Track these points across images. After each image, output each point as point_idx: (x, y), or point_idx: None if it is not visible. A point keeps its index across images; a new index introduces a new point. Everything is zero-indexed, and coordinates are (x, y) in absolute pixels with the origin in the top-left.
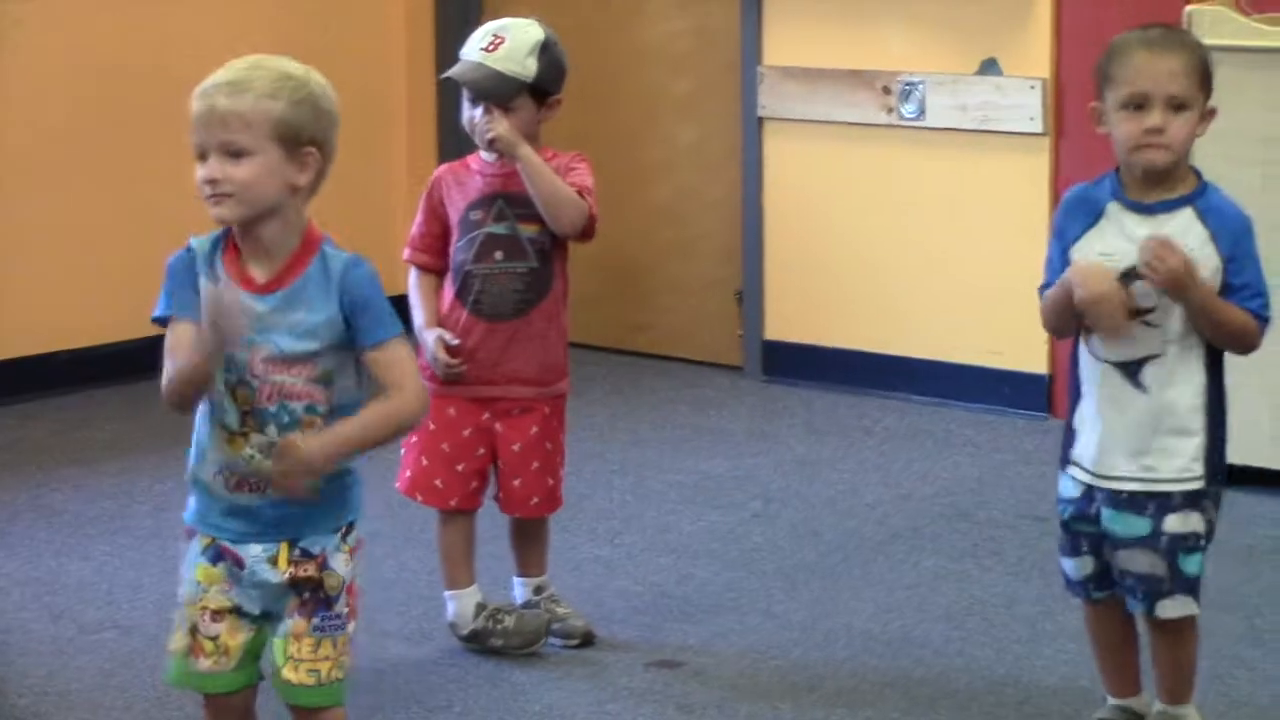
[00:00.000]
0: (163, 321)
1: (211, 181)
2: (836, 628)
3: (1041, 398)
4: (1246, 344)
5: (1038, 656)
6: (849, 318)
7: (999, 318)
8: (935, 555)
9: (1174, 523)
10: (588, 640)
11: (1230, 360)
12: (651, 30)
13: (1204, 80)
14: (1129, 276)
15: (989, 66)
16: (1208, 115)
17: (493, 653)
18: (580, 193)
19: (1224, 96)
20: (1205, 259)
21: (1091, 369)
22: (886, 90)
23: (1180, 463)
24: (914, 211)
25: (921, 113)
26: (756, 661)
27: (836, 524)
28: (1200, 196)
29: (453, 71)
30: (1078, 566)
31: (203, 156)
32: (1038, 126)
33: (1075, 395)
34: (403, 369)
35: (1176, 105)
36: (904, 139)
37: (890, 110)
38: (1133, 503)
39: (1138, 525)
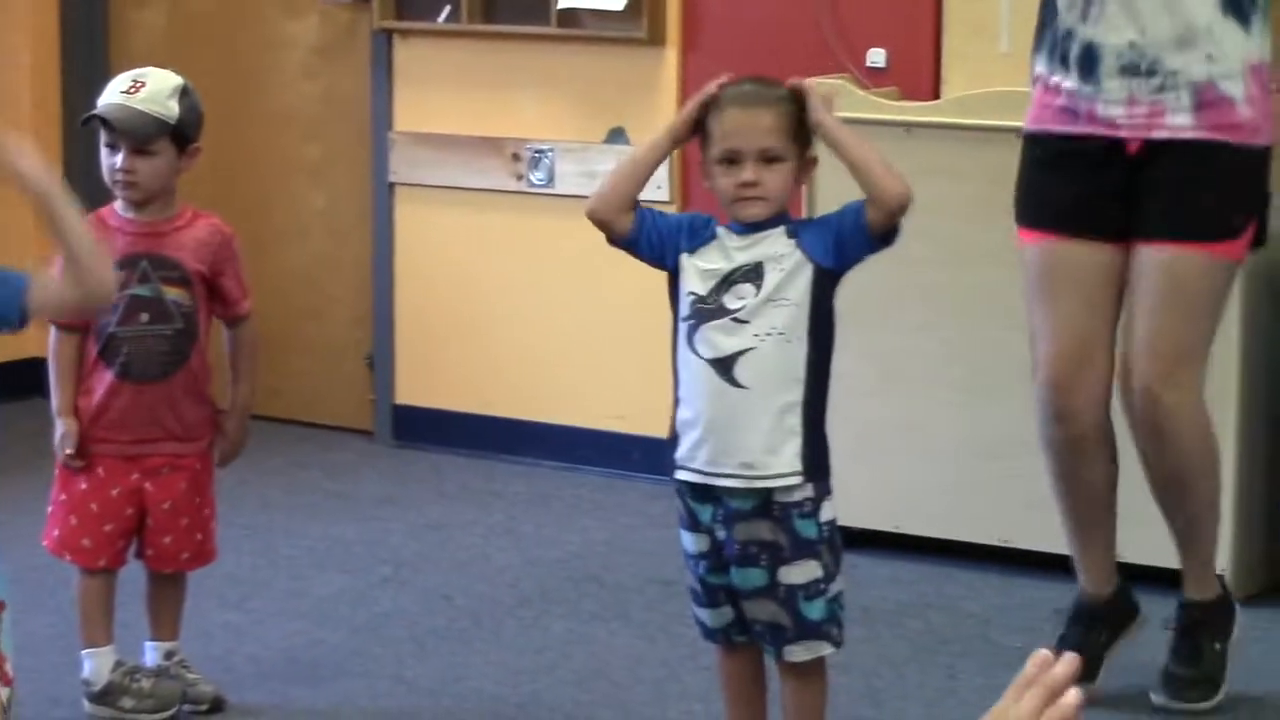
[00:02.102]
0: None
1: None
2: (466, 692)
3: (667, 462)
4: (898, 185)
5: (664, 718)
6: (479, 383)
7: (623, 383)
8: (564, 619)
9: (789, 574)
10: (217, 706)
11: (842, 428)
12: (282, 95)
13: (798, 131)
14: (726, 282)
15: (616, 135)
16: (809, 164)
17: (121, 717)
18: (244, 298)
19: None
20: (796, 266)
21: (693, 370)
22: (516, 157)
23: (781, 461)
24: (543, 278)
25: (550, 180)
26: None
27: (467, 588)
28: (791, 221)
29: (98, 110)
30: (717, 617)
31: None
32: (664, 195)
33: (676, 401)
34: None
35: (769, 158)
36: (533, 206)
37: (520, 177)
38: (746, 556)
39: (755, 577)
